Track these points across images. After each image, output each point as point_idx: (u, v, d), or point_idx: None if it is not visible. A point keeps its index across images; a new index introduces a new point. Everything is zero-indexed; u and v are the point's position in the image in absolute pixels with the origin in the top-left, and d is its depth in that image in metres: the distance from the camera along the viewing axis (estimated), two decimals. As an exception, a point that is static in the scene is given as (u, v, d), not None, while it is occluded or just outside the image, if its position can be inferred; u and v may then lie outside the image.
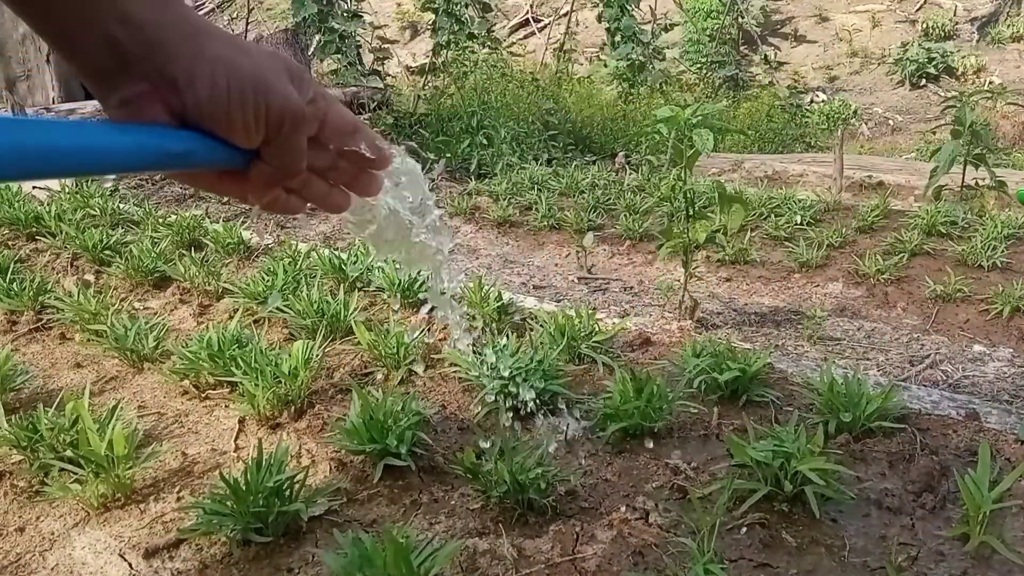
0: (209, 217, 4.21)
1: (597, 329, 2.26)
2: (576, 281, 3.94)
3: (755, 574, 1.39)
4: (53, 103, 7.06)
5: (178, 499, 1.67)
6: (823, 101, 13.48)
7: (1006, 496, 1.48)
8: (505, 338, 2.14)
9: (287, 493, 1.52)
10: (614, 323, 2.38)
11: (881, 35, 15.46)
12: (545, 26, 16.40)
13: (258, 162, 0.65)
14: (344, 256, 2.94)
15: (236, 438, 1.92)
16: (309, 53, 8.62)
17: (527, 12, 17.19)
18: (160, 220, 3.80)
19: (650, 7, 12.44)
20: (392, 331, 2.20)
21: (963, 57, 14.01)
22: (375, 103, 8.39)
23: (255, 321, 2.59)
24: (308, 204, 0.73)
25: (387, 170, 0.77)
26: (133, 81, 0.60)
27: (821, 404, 1.83)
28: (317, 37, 9.09)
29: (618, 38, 10.90)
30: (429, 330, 2.44)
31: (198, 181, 0.69)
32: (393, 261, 0.90)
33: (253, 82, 0.61)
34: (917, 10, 15.87)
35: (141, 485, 1.71)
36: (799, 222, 4.42)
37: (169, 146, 0.60)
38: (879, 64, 14.73)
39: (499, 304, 2.43)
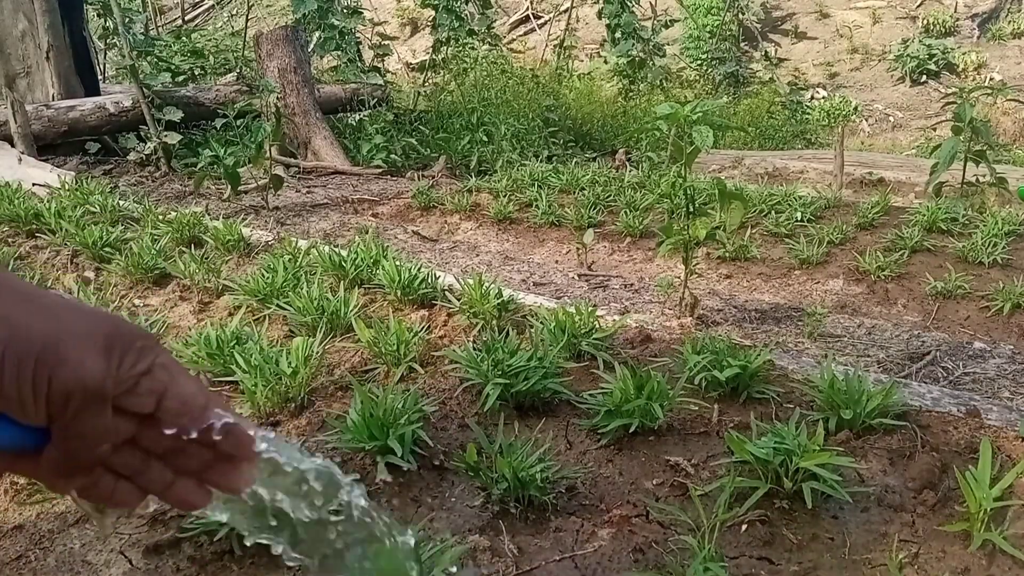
0: (209, 214, 4.21)
1: (597, 326, 2.25)
2: (576, 278, 3.93)
3: (756, 571, 1.39)
4: (52, 100, 7.06)
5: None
6: (823, 97, 13.45)
7: (1007, 493, 1.48)
8: (505, 335, 2.14)
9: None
10: (614, 320, 2.38)
11: (882, 31, 15.43)
12: (545, 22, 16.37)
13: (49, 444, 0.53)
14: (344, 253, 2.94)
15: (236, 435, 1.91)
16: (309, 50, 8.60)
17: (527, 8, 17.16)
18: (160, 217, 3.80)
19: (651, 3, 12.42)
20: (392, 328, 2.20)
21: (964, 53, 13.99)
22: (375, 100, 8.38)
23: (255, 319, 2.58)
24: (148, 495, 0.58)
25: (260, 461, 0.61)
26: None
27: (822, 401, 1.82)
28: (317, 34, 9.07)
29: (618, 34, 10.88)
30: (429, 327, 2.43)
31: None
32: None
33: (40, 349, 0.50)
34: (918, 6, 15.84)
35: (141, 482, 1.71)
36: (799, 219, 4.42)
37: None
38: (880, 60, 14.71)
39: (499, 301, 2.43)
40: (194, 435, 0.57)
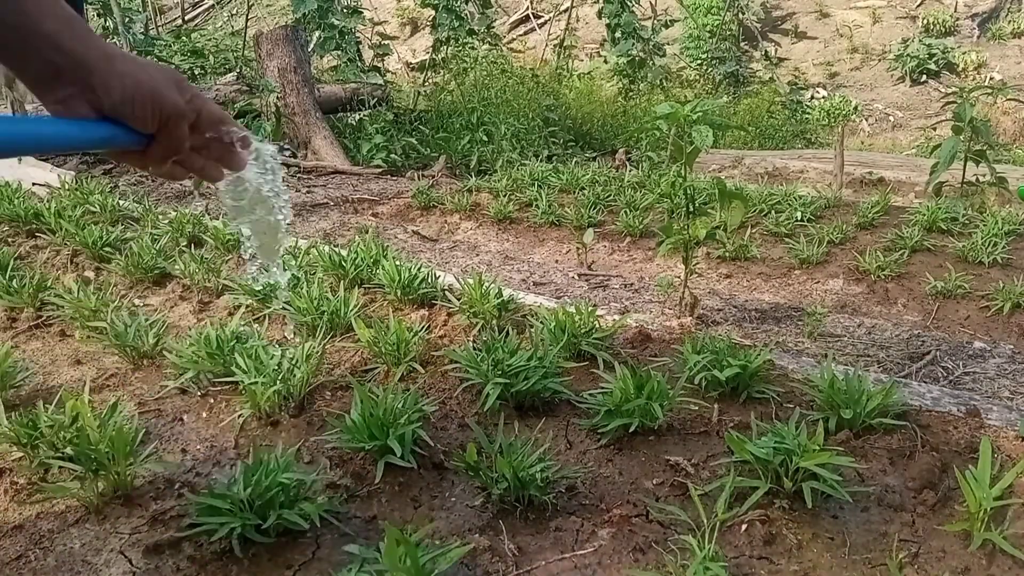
0: (209, 214, 4.21)
1: (597, 326, 2.25)
2: (576, 278, 3.93)
3: (756, 571, 1.39)
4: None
5: (178, 497, 1.66)
6: (823, 97, 13.46)
7: (1007, 493, 1.48)
8: (505, 335, 2.14)
9: (287, 491, 1.51)
10: (614, 320, 2.38)
11: (882, 31, 15.43)
12: (545, 22, 16.37)
13: (153, 143, 0.93)
14: (344, 253, 2.94)
15: (236, 435, 1.91)
16: (309, 49, 8.60)
17: (527, 8, 17.16)
18: (160, 217, 3.80)
19: (651, 3, 12.42)
20: (392, 328, 2.20)
21: (964, 53, 13.99)
22: (375, 99, 8.38)
23: (255, 318, 2.58)
24: (189, 173, 1.01)
25: (250, 151, 1.04)
26: (64, 87, 0.87)
27: (822, 401, 1.82)
28: (317, 33, 9.07)
29: (618, 34, 10.88)
30: (429, 327, 2.43)
31: (115, 155, 0.97)
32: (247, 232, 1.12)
33: (150, 91, 0.89)
34: (918, 6, 15.84)
35: (141, 483, 1.71)
36: (799, 218, 4.42)
37: (92, 133, 0.89)
38: (880, 60, 14.71)
39: (499, 301, 2.42)
40: (217, 135, 0.99)
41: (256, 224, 1.11)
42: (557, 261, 4.33)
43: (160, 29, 12.31)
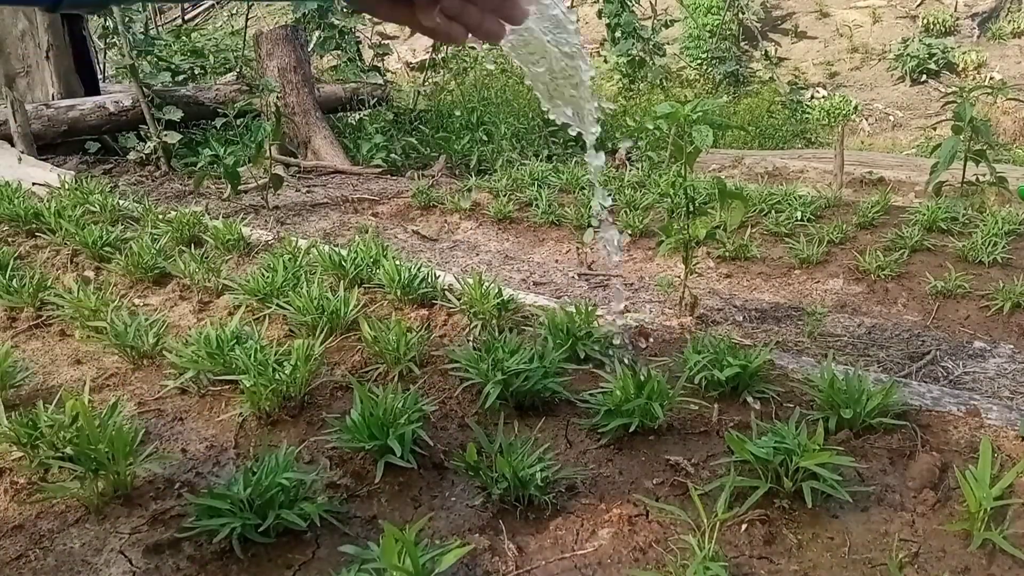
0: (209, 214, 4.21)
1: (597, 325, 2.25)
2: (576, 277, 3.93)
3: (756, 571, 1.39)
4: (52, 99, 7.06)
5: (178, 496, 1.66)
6: (823, 97, 13.45)
7: (1007, 492, 1.48)
8: (505, 335, 2.14)
9: (287, 491, 1.51)
10: (614, 319, 2.38)
11: (882, 31, 15.42)
12: (545, 22, 16.35)
13: None
14: (344, 253, 2.94)
15: (236, 435, 1.91)
16: (309, 49, 8.59)
17: (527, 8, 17.14)
18: (160, 217, 3.80)
19: (651, 3, 12.42)
20: (392, 328, 2.20)
21: (964, 53, 13.98)
22: (375, 99, 8.38)
23: (255, 318, 2.58)
24: (468, 32, 0.88)
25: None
26: None
27: (822, 400, 1.82)
28: (317, 33, 9.07)
29: (618, 34, 10.88)
30: (429, 327, 2.43)
31: (383, 12, 0.89)
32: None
33: None
34: (918, 6, 15.83)
35: (141, 483, 1.71)
36: (799, 218, 4.41)
37: None
38: (879, 60, 14.70)
39: (499, 301, 2.42)
40: None
41: (557, 86, 0.97)
42: (557, 261, 4.33)
43: (160, 29, 12.31)
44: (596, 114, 1.05)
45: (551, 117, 1.03)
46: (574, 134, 1.08)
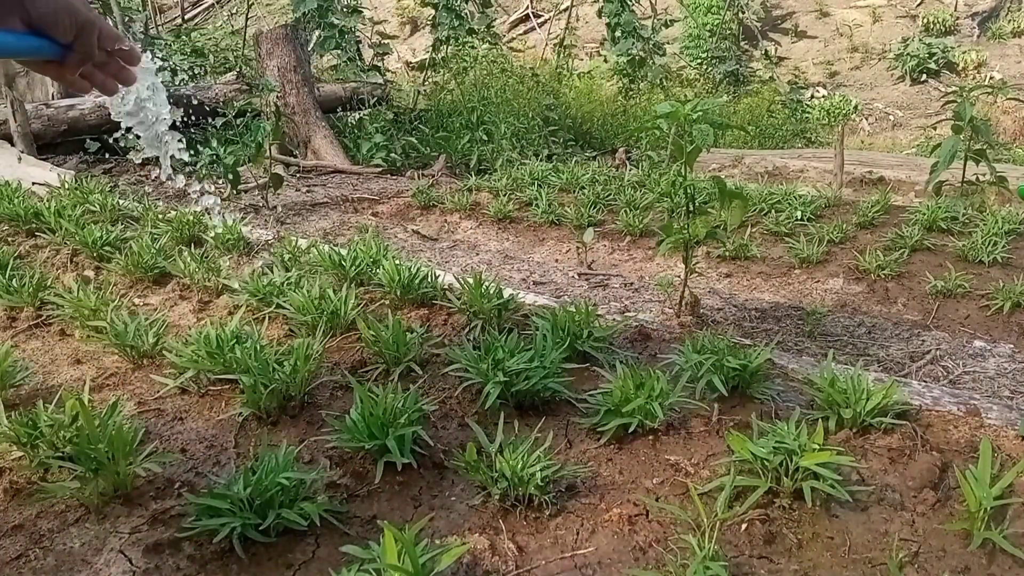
0: (209, 213, 4.20)
1: (597, 325, 2.25)
2: (576, 277, 3.93)
3: (756, 570, 1.39)
4: (52, 99, 7.06)
5: (178, 496, 1.66)
6: (823, 96, 13.45)
7: (1007, 492, 1.48)
8: (505, 335, 2.14)
9: (287, 490, 1.51)
10: (614, 319, 2.38)
11: (882, 30, 15.42)
12: (545, 21, 16.36)
13: (69, 52, 1.11)
14: (344, 252, 2.94)
15: (236, 435, 1.91)
16: (308, 49, 8.59)
17: (527, 7, 17.15)
18: (160, 216, 3.80)
19: (651, 2, 12.41)
20: (392, 327, 2.20)
21: (964, 52, 13.98)
22: (375, 99, 8.37)
23: (255, 318, 2.58)
24: (92, 87, 1.19)
25: (139, 67, 1.24)
26: (5, 10, 1.04)
27: (822, 400, 1.82)
28: (317, 33, 9.06)
29: (618, 33, 10.86)
30: (429, 327, 2.43)
31: (37, 66, 1.16)
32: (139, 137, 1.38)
33: (66, 4, 1.08)
34: (918, 5, 15.83)
35: (141, 482, 1.71)
36: (799, 218, 4.42)
37: (23, 42, 1.07)
38: (879, 59, 14.70)
39: (499, 300, 2.42)
40: (115, 47, 1.18)
41: (140, 125, 1.36)
42: (557, 260, 4.33)
43: (160, 28, 12.30)
44: (170, 150, 1.44)
45: (143, 151, 1.42)
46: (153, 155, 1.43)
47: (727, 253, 4.01)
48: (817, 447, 1.53)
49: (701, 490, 1.55)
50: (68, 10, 1.09)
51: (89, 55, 1.15)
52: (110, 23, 1.19)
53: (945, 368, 2.80)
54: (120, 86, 1.26)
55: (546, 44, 13.13)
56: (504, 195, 5.14)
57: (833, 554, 1.42)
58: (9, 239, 3.61)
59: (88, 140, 6.87)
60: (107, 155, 6.93)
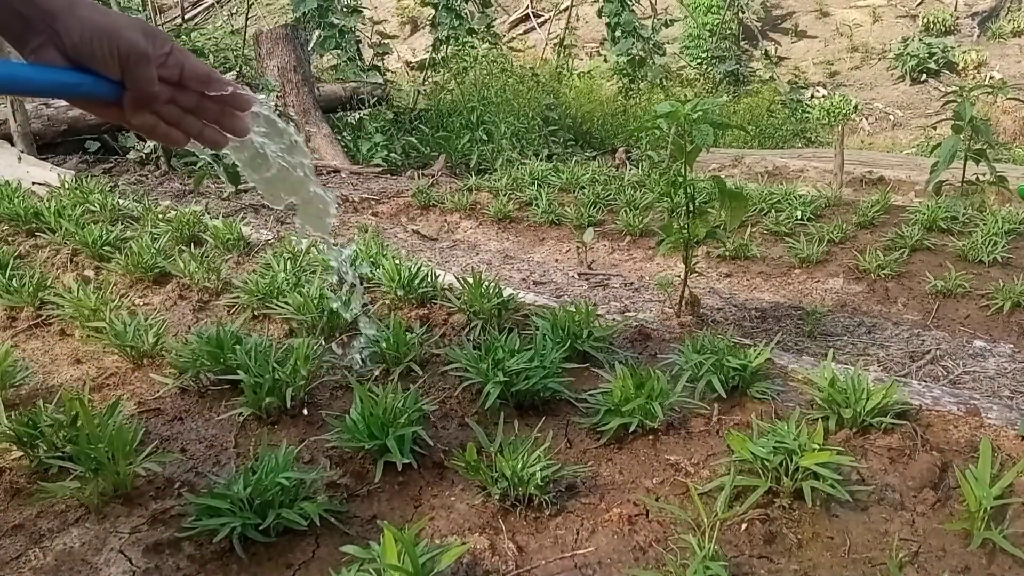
0: (209, 213, 4.21)
1: (597, 325, 2.25)
2: (576, 277, 3.93)
3: (756, 570, 1.39)
4: (52, 98, 7.05)
5: (178, 496, 1.66)
6: (823, 96, 13.45)
7: (1007, 492, 1.48)
8: (505, 334, 2.14)
9: (287, 490, 1.51)
10: (614, 319, 2.38)
11: (882, 30, 15.42)
12: (545, 21, 16.36)
13: (124, 92, 0.92)
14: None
15: (236, 435, 1.91)
16: (308, 48, 8.59)
17: (527, 7, 17.15)
18: (160, 216, 3.80)
19: (651, 2, 12.41)
20: (392, 327, 2.20)
21: (964, 52, 13.98)
22: (375, 98, 8.37)
23: (255, 317, 2.58)
24: (189, 137, 0.98)
25: (252, 112, 1.00)
26: (35, 36, 0.89)
27: (822, 400, 1.82)
28: (316, 32, 9.06)
29: (618, 33, 10.86)
30: (428, 326, 2.43)
31: (93, 109, 0.97)
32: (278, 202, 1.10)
33: (107, 31, 0.89)
34: (918, 5, 15.83)
35: (141, 482, 1.71)
36: (799, 218, 4.41)
37: (62, 78, 0.90)
38: (879, 59, 14.70)
39: (499, 300, 2.42)
40: (211, 93, 0.95)
41: (278, 187, 1.05)
42: (557, 260, 4.33)
43: (160, 28, 12.28)
44: (326, 201, 1.14)
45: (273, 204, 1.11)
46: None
47: (727, 253, 4.01)
48: (817, 447, 1.53)
49: (701, 490, 1.55)
50: (107, 36, 0.88)
51: (148, 94, 0.92)
52: (197, 60, 0.95)
53: (945, 368, 2.80)
54: (229, 137, 0.99)
55: (546, 44, 13.13)
56: (504, 195, 5.14)
57: (833, 554, 1.42)
58: (9, 239, 3.61)
59: (88, 140, 6.87)
60: (107, 155, 6.93)
